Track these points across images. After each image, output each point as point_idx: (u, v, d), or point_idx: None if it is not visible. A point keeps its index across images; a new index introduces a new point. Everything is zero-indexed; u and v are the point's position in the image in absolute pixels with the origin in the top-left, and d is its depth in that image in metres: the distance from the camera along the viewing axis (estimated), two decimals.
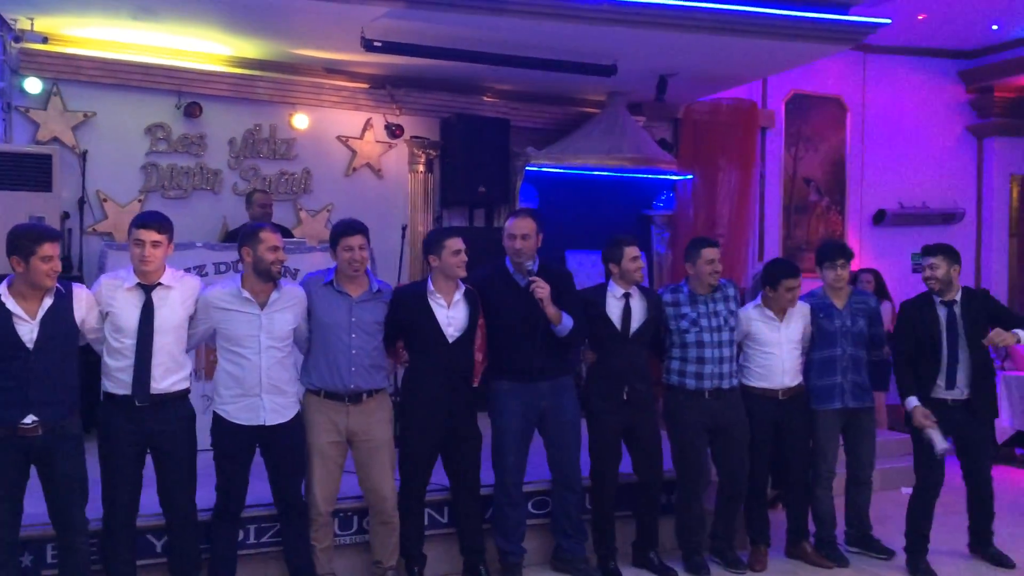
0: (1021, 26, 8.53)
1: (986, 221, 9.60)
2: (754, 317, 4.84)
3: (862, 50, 8.71)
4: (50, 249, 3.55)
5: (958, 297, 4.82)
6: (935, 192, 9.42)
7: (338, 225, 4.20)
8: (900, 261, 8.93)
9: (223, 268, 5.59)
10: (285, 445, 4.02)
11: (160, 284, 3.83)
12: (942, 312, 4.82)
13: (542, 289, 4.28)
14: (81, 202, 6.62)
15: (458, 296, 4.31)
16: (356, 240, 4.08)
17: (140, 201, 6.86)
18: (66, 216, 6.49)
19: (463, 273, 4.28)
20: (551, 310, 4.31)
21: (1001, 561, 4.95)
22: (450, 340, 4.25)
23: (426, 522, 4.53)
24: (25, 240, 3.54)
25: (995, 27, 8.60)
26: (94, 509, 3.81)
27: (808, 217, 9.12)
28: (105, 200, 6.77)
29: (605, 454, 4.63)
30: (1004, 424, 7.17)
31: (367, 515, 4.38)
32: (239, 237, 4.08)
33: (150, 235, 3.76)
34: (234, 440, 3.97)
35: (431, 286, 4.28)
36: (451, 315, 4.27)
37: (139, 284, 3.80)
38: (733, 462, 4.75)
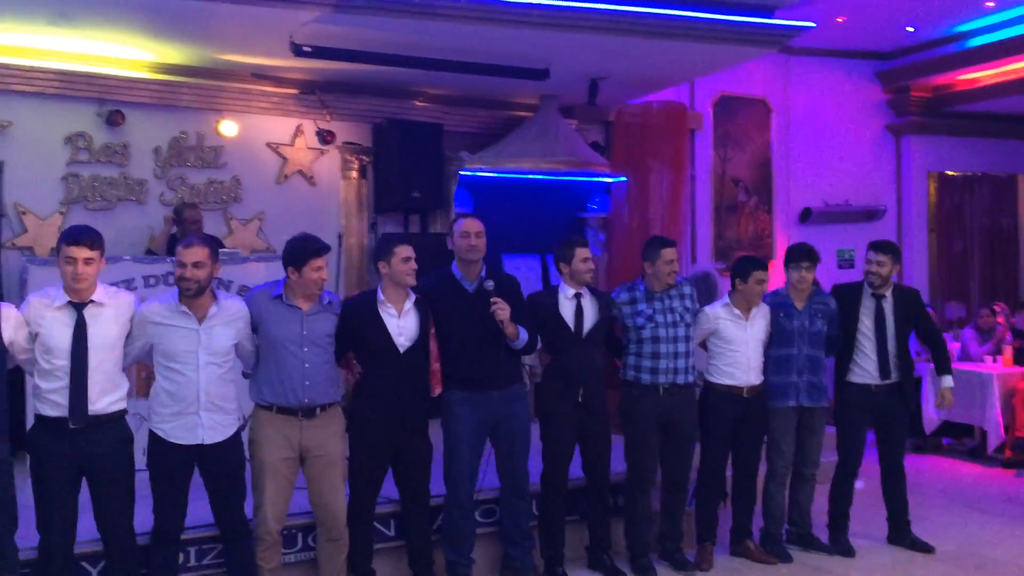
0: (935, 28, 8.86)
1: (906, 217, 9.93)
2: (721, 315, 4.91)
3: (785, 52, 8.91)
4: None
5: (888, 292, 5.09)
6: (857, 190, 9.71)
7: (307, 244, 4.01)
8: (826, 258, 9.05)
9: (152, 281, 5.42)
10: (225, 465, 3.90)
11: (92, 301, 3.68)
12: (870, 303, 5.07)
13: (503, 311, 4.26)
14: None
15: (408, 305, 4.25)
16: (324, 260, 4.00)
17: (62, 214, 6.61)
18: None
19: (412, 281, 4.22)
20: (510, 329, 4.31)
21: (920, 547, 5.15)
22: (401, 350, 4.19)
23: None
24: None
25: (910, 29, 8.90)
26: (28, 537, 3.65)
27: (737, 217, 9.29)
28: (24, 213, 6.51)
29: (558, 456, 4.63)
30: (931, 415, 7.40)
31: (313, 532, 4.29)
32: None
33: (82, 252, 3.59)
34: (171, 459, 3.84)
35: (381, 295, 4.22)
36: (402, 324, 4.21)
37: (70, 302, 3.65)
38: (680, 459, 4.81)
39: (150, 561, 3.94)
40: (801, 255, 5.03)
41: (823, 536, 5.17)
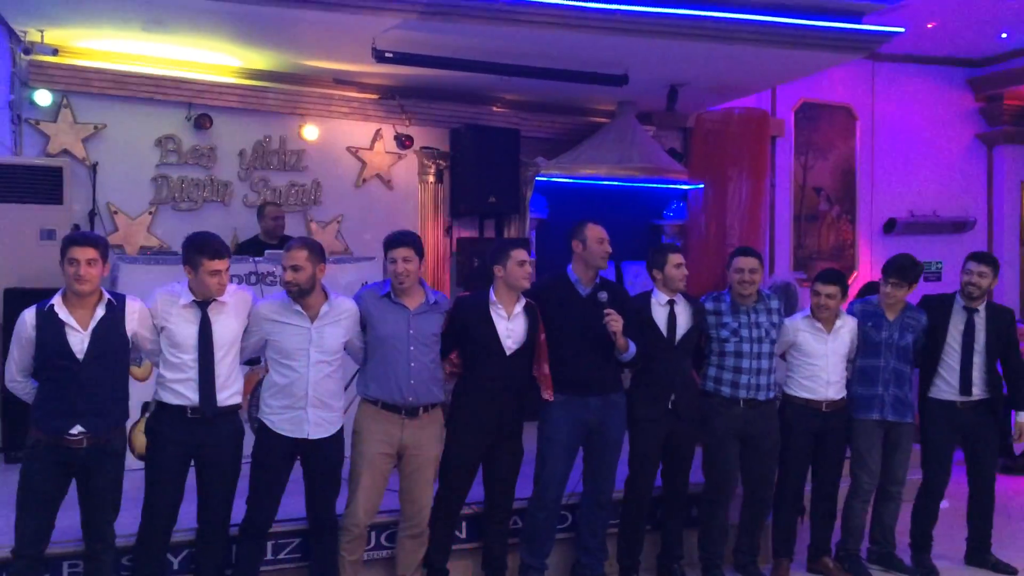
0: None
1: (997, 229, 9.58)
2: (801, 328, 4.80)
3: (871, 58, 8.70)
4: (79, 254, 3.58)
5: (982, 307, 4.91)
6: (945, 200, 9.41)
7: (386, 236, 4.14)
8: None
9: (236, 281, 5.52)
10: (325, 460, 4.00)
11: (215, 299, 3.81)
12: (961, 316, 4.90)
13: (616, 323, 4.23)
14: (92, 215, 6.59)
15: (518, 309, 4.26)
16: (400, 252, 4.04)
17: (151, 213, 6.83)
18: (77, 229, 6.45)
19: (527, 284, 4.24)
20: (622, 342, 4.29)
21: (1003, 569, 4.97)
22: (508, 352, 4.20)
23: None
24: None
25: (1004, 35, 8.59)
26: (127, 524, 3.80)
27: (818, 226, 9.09)
28: (116, 212, 6.74)
29: (645, 463, 4.59)
30: None
31: (386, 531, 4.33)
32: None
33: (219, 264, 3.74)
34: (276, 450, 3.94)
35: (493, 296, 4.24)
36: (511, 327, 4.22)
37: (194, 300, 3.80)
38: (760, 473, 4.72)
39: (237, 552, 4.04)
40: (888, 270, 4.88)
41: (905, 556, 5.01)
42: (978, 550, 5.07)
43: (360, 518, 4.08)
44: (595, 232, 4.34)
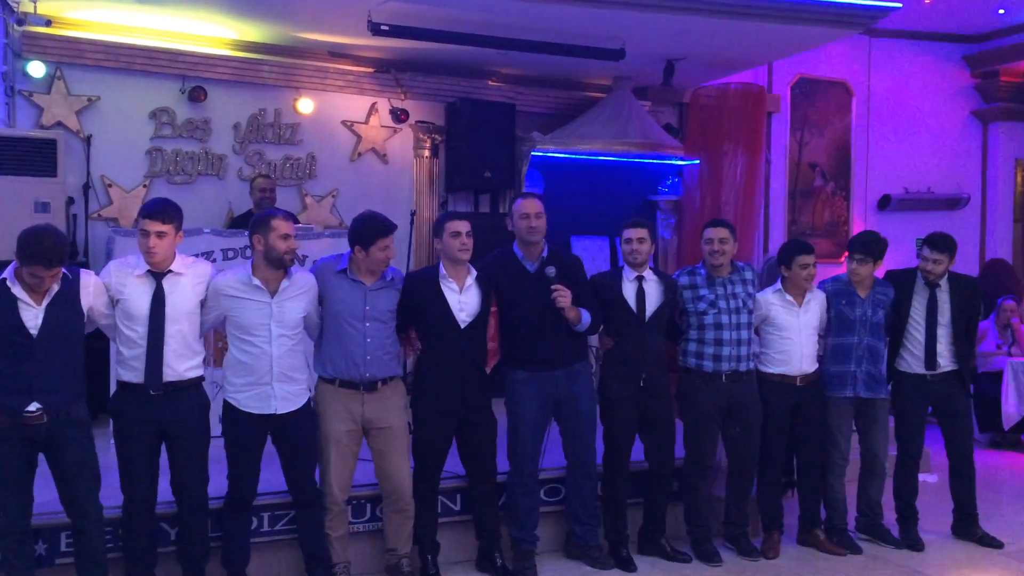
0: None
1: (991, 206, 9.60)
2: (773, 302, 4.83)
3: (868, 34, 8.67)
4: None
5: (943, 282, 4.98)
6: (940, 177, 9.41)
7: (375, 224, 4.06)
8: (904, 246, 8.87)
9: (231, 254, 5.55)
10: (297, 434, 4.01)
11: (171, 271, 3.80)
12: (923, 292, 4.97)
13: (564, 298, 4.26)
14: (86, 187, 6.58)
15: (470, 281, 4.28)
16: (388, 241, 4.05)
17: (145, 187, 6.81)
18: (71, 202, 6.44)
19: (463, 257, 4.23)
20: (572, 314, 4.31)
21: (989, 542, 5.02)
22: (462, 325, 4.23)
23: (439, 510, 4.51)
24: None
25: (1001, 11, 8.56)
26: (113, 496, 3.81)
27: (813, 202, 9.10)
28: (110, 185, 6.72)
29: (620, 440, 4.62)
30: (1011, 410, 7.17)
31: (380, 503, 4.37)
32: (250, 225, 4.02)
33: (155, 226, 3.71)
34: (245, 429, 3.95)
35: (443, 270, 4.26)
36: (463, 300, 4.24)
37: (149, 271, 3.77)
38: (745, 446, 4.76)
39: (224, 526, 4.07)
40: (854, 246, 4.91)
41: (893, 530, 5.07)
42: (964, 522, 5.12)
43: (336, 495, 4.11)
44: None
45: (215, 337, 5.26)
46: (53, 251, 3.43)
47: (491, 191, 7.82)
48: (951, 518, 5.20)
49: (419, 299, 4.22)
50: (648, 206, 8.25)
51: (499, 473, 4.50)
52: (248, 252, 5.34)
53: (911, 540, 4.99)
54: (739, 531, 4.87)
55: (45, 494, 3.74)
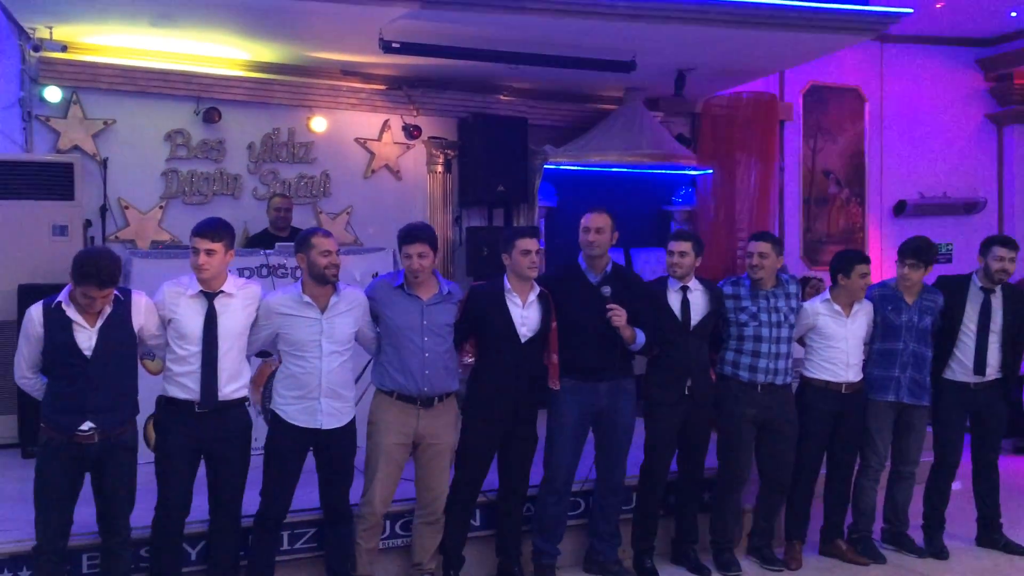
0: None
1: (1008, 209, 9.53)
2: (821, 311, 4.80)
3: (880, 40, 8.65)
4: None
5: (998, 288, 4.94)
6: (956, 181, 9.36)
7: (402, 231, 4.16)
8: None
9: (247, 273, 5.56)
10: (338, 450, 4.04)
11: (222, 291, 3.84)
12: (977, 298, 4.92)
13: (619, 318, 4.27)
14: (103, 210, 6.63)
15: (532, 297, 4.29)
16: (415, 248, 4.05)
17: (161, 208, 6.87)
18: (88, 224, 6.50)
19: (532, 274, 4.26)
20: (627, 333, 4.32)
21: (1014, 550, 4.99)
22: (523, 340, 4.24)
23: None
24: None
25: (1014, 14, 8.52)
26: (137, 517, 3.83)
27: (828, 210, 9.07)
28: (127, 207, 6.78)
29: (661, 448, 4.61)
30: None
31: (401, 519, 4.37)
32: (296, 243, 4.08)
33: (204, 243, 3.77)
34: (289, 440, 3.98)
35: (508, 285, 4.27)
36: (525, 315, 4.26)
37: (201, 291, 3.82)
38: (779, 459, 4.73)
39: (252, 543, 4.08)
40: (905, 252, 4.88)
41: (918, 537, 5.02)
42: (988, 529, 5.09)
43: (376, 507, 4.12)
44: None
45: None
46: (106, 272, 3.49)
47: (504, 205, 7.83)
48: (974, 525, 5.15)
49: (483, 313, 4.24)
50: (663, 216, 8.25)
51: (530, 486, 4.49)
52: (264, 271, 5.44)
53: (935, 548, 4.95)
54: (763, 543, 4.84)
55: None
